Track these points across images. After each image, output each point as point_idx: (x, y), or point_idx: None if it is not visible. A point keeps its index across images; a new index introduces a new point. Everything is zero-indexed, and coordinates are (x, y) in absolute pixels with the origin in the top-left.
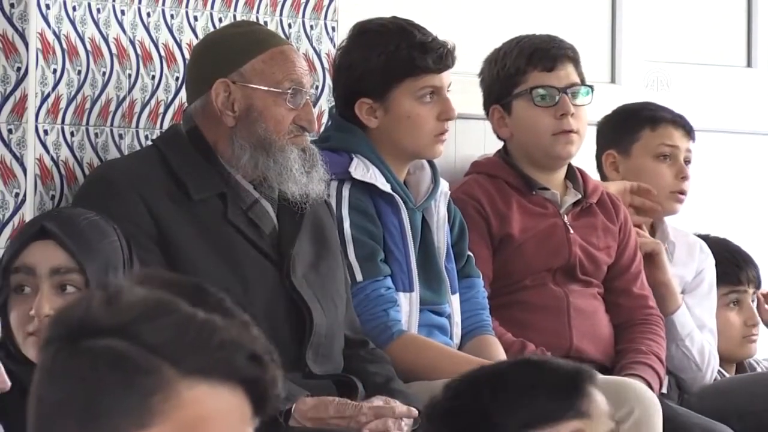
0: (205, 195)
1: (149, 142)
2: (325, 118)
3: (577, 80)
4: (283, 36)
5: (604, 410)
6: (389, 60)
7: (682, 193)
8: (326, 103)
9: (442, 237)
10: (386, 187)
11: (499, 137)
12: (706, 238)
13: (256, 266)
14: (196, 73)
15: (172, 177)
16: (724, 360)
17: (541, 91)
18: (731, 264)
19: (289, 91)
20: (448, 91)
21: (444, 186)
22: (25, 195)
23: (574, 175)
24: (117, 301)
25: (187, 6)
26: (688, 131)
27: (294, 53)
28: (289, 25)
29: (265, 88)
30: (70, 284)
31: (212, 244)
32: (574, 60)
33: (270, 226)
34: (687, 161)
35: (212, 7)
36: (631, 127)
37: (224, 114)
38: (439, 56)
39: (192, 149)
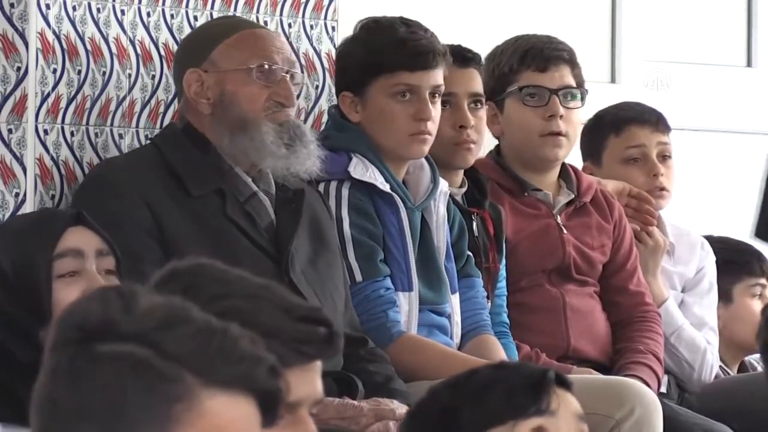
0: (203, 191)
1: (149, 142)
2: (324, 118)
3: (571, 83)
4: (282, 35)
5: (573, 411)
6: (366, 54)
7: (661, 189)
8: (326, 102)
9: (441, 236)
10: (385, 187)
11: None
12: (708, 239)
13: (254, 262)
14: (175, 71)
15: (170, 174)
16: (752, 350)
17: (531, 90)
18: (751, 255)
19: (257, 67)
20: (436, 93)
21: (443, 185)
22: (25, 195)
23: (567, 175)
24: (134, 306)
25: (187, 6)
26: (656, 124)
27: (267, 33)
28: (289, 25)
29: (234, 68)
30: (108, 268)
31: (211, 240)
32: (571, 62)
33: (267, 221)
34: (663, 155)
35: (212, 7)
36: (597, 136)
37: (198, 103)
38: (416, 54)
39: (189, 146)
